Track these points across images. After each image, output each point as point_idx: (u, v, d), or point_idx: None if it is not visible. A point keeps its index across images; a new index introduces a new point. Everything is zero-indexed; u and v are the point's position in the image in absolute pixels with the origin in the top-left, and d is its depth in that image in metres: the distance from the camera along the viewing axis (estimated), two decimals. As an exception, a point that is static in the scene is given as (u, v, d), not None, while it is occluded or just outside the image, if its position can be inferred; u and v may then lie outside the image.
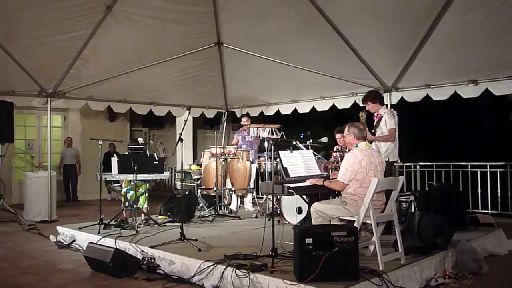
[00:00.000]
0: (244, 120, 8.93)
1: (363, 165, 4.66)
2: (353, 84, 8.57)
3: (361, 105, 6.55)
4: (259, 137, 8.53)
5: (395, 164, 6.97)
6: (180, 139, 6.00)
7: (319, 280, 3.83)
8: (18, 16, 6.80)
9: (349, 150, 4.98)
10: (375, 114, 6.33)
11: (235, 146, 8.37)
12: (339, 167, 5.37)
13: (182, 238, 5.61)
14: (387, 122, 6.11)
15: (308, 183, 5.12)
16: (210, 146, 8.25)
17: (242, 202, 9.06)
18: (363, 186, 4.62)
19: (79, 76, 8.65)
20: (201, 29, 8.15)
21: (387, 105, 8.20)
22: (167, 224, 6.98)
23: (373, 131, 6.21)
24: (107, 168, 7.31)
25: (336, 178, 4.91)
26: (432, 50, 7.04)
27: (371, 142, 6.18)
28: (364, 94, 6.57)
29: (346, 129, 4.99)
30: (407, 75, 7.93)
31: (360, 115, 6.08)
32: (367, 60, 7.84)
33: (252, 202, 9.11)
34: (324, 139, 7.38)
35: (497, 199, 8.62)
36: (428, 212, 5.52)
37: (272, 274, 4.15)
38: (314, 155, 6.22)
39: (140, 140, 7.82)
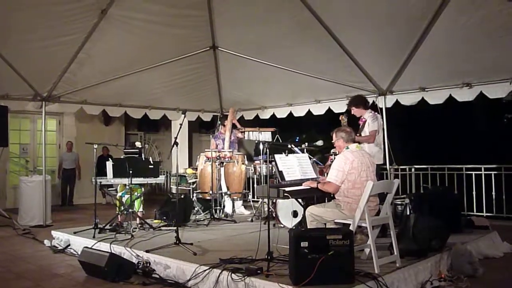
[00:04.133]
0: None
1: (354, 166, 4.68)
2: (348, 88, 8.58)
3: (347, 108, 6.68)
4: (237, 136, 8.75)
5: (389, 167, 7.02)
6: (176, 143, 6.00)
7: (315, 284, 3.84)
8: (12, 20, 6.78)
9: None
10: (361, 118, 6.44)
11: (230, 150, 8.36)
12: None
13: (177, 242, 5.60)
14: (370, 124, 6.33)
15: (303, 186, 5.13)
16: (206, 150, 8.24)
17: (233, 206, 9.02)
18: (356, 187, 4.65)
19: (74, 80, 8.63)
20: (196, 33, 8.16)
21: (381, 108, 8.26)
22: (162, 228, 6.97)
23: (358, 135, 6.28)
24: (101, 172, 7.29)
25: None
26: (427, 53, 7.08)
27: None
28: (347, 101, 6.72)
29: (334, 135, 5.03)
30: (402, 79, 7.96)
31: (340, 118, 6.18)
32: (362, 63, 7.87)
33: (242, 205, 9.11)
34: (319, 143, 7.39)
35: (492, 201, 8.65)
36: (423, 215, 5.53)
37: (267, 278, 4.15)
38: (310, 158, 6.23)
39: (138, 144, 7.81)
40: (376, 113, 6.69)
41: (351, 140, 4.94)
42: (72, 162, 12.75)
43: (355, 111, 6.50)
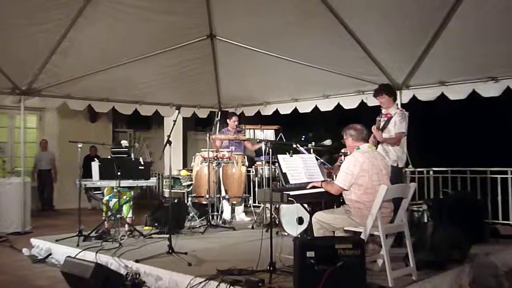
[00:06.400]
0: (235, 120, 8.87)
1: (364, 168, 4.67)
2: (360, 81, 8.59)
3: (373, 97, 6.57)
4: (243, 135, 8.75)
5: (405, 170, 7.00)
6: (169, 142, 6.00)
7: (322, 298, 3.84)
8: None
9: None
10: (383, 112, 6.34)
11: (230, 150, 8.36)
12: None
13: (170, 251, 5.62)
14: (397, 124, 6.13)
15: (308, 189, 5.13)
16: (202, 150, 8.24)
17: (233, 211, 9.03)
18: (368, 192, 4.64)
19: (56, 72, 8.63)
20: (192, 20, 8.16)
21: (396, 104, 8.22)
22: (153, 236, 6.98)
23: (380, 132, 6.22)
24: (87, 173, 7.31)
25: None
26: (447, 43, 7.07)
27: (377, 144, 6.17)
28: (377, 86, 6.59)
29: (343, 134, 5.03)
30: (420, 71, 7.95)
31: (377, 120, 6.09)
32: (375, 54, 7.87)
33: (243, 212, 9.12)
34: (328, 142, 7.39)
35: (519, 208, 8.63)
36: (443, 222, 5.54)
37: (270, 291, 4.16)
38: (317, 159, 6.23)
39: (124, 142, 7.82)
40: (404, 110, 6.54)
41: (361, 139, 4.93)
42: (48, 162, 12.77)
43: (385, 100, 6.31)
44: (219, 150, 8.13)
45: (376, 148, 5.86)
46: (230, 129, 8.82)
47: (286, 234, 6.87)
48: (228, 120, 8.90)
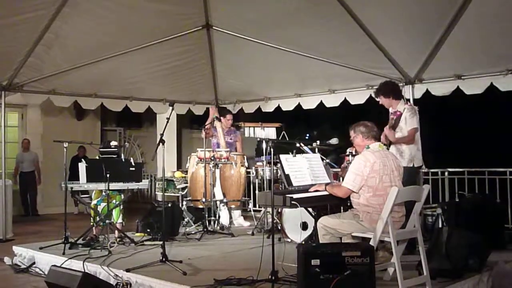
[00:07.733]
0: (229, 118, 8.87)
1: (375, 169, 4.68)
2: (368, 75, 8.58)
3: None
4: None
5: (420, 170, 6.98)
6: (162, 141, 6.00)
7: (328, 310, 3.85)
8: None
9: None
10: (391, 110, 6.37)
11: (227, 150, 8.37)
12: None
13: (163, 259, 5.62)
14: (408, 121, 6.15)
15: (310, 192, 5.13)
16: (198, 149, 8.25)
17: (231, 216, 9.04)
18: (378, 195, 4.65)
19: (39, 66, 8.62)
20: (187, 9, 8.14)
21: (408, 99, 8.22)
22: (145, 243, 6.99)
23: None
24: (74, 175, 7.31)
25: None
26: (464, 33, 7.05)
27: (390, 144, 6.19)
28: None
29: (351, 131, 5.03)
30: (433, 64, 7.94)
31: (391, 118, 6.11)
32: (385, 46, 7.85)
33: (241, 216, 9.13)
34: (334, 141, 7.39)
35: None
36: (459, 228, 5.54)
37: (271, 303, 4.17)
38: (322, 159, 6.24)
39: (114, 143, 7.82)
40: (413, 105, 6.54)
41: (372, 137, 4.94)
42: (30, 164, 12.77)
43: (383, 101, 6.43)
44: (215, 150, 8.14)
45: (388, 148, 5.85)
46: (224, 128, 8.80)
47: (289, 240, 6.88)
48: (222, 118, 8.87)
